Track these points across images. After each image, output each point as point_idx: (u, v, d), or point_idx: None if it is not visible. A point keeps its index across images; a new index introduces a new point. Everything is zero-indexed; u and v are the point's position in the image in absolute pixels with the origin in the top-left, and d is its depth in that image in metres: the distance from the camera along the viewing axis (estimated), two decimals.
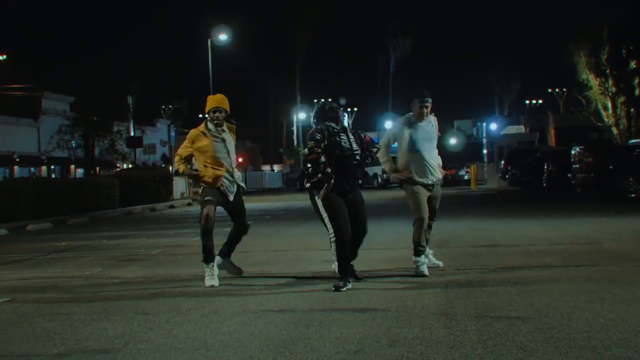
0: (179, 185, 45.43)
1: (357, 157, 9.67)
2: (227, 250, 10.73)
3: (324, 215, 9.48)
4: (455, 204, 31.07)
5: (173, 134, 58.90)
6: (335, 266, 9.50)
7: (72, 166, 64.93)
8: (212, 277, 9.98)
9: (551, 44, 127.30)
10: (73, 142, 46.71)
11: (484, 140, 60.07)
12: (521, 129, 59.45)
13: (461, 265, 11.07)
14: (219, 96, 10.60)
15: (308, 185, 9.60)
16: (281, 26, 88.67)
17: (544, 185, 37.71)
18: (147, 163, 59.66)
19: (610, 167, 28.58)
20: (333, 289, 9.07)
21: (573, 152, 30.51)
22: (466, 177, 57.36)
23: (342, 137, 9.62)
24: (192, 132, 10.57)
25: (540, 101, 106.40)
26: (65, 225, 25.59)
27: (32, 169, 62.61)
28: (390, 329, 6.94)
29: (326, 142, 9.47)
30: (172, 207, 37.12)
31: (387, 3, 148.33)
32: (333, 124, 9.69)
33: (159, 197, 39.36)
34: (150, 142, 59.38)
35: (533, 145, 50.96)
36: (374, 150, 10.10)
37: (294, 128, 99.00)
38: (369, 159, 9.98)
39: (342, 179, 9.50)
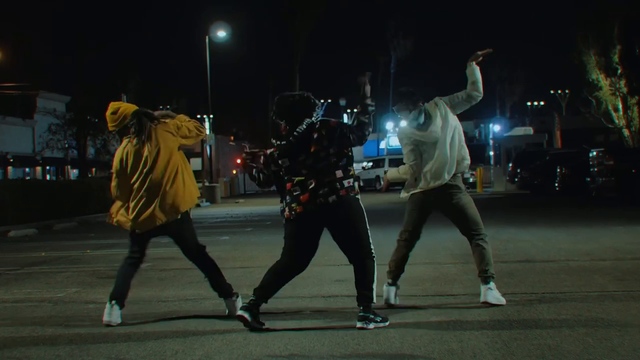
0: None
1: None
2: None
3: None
4: None
5: None
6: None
7: (68, 167, 63.35)
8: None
9: (553, 44, 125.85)
10: (65, 142, 45.11)
11: (490, 142, 58.32)
12: (529, 130, 57.72)
13: (501, 290, 9.29)
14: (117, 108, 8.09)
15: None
16: (280, 24, 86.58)
17: (557, 189, 36.04)
18: None
19: (633, 171, 26.91)
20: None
21: (592, 154, 28.84)
22: (471, 180, 55.67)
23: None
24: None
25: (542, 103, 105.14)
26: (51, 231, 23.88)
27: (26, 169, 61.10)
28: None
29: None
30: None
31: (388, 3, 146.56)
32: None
33: None
34: None
35: (541, 147, 49.32)
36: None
37: None
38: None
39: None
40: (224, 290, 8.23)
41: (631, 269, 10.89)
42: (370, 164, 62.14)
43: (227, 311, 8.15)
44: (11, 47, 55.29)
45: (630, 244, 14.38)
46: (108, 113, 8.00)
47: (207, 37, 46.62)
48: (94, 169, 54.88)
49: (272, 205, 34.27)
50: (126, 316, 8.13)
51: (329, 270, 11.34)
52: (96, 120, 41.25)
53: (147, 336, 7.28)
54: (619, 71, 48.39)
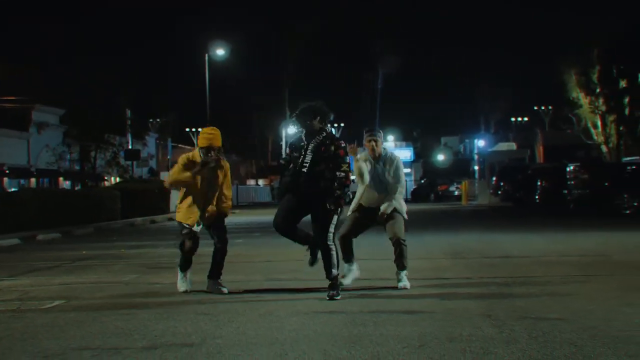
0: (175, 199, 45.78)
1: (304, 171, 9.73)
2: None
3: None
4: (452, 218, 31.74)
5: (170, 146, 59.43)
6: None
7: (61, 179, 65.27)
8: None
9: (538, 62, 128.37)
10: (69, 154, 47.21)
11: (475, 157, 60.80)
12: (512, 145, 60.27)
13: (484, 275, 11.68)
14: (212, 134, 10.64)
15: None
16: (271, 42, 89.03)
17: (537, 201, 38.41)
18: (135, 176, 60.11)
19: (606, 184, 29.33)
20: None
21: (569, 169, 31.25)
22: (456, 193, 58.13)
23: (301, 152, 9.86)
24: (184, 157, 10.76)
25: (525, 119, 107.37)
26: (73, 236, 26.02)
27: (21, 181, 62.91)
28: (444, 327, 7.52)
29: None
30: (171, 219, 37.52)
31: (376, 19, 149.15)
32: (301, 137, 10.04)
33: (156, 209, 39.85)
34: (143, 156, 59.80)
35: (524, 162, 51.71)
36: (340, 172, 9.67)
37: (283, 143, 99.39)
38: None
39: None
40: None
41: (592, 262, 13.25)
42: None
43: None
44: (7, 60, 57.06)
45: (595, 245, 16.73)
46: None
47: (206, 55, 48.93)
48: (86, 180, 56.82)
49: (267, 216, 36.48)
50: (191, 290, 10.47)
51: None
52: (101, 133, 43.42)
53: (217, 302, 9.59)
54: (598, 90, 50.97)
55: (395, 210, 10.60)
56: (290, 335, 7.33)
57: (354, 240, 10.78)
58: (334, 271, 9.75)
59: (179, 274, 10.75)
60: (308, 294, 10.04)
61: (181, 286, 10.67)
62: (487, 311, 8.41)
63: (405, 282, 10.43)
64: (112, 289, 11.18)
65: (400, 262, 10.50)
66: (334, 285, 9.71)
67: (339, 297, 9.53)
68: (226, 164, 10.89)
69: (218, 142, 10.64)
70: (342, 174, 9.65)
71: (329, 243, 9.79)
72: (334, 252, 9.79)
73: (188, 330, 7.75)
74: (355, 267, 10.74)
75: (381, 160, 10.72)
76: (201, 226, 10.76)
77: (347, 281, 10.50)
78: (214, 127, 10.92)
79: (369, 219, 10.78)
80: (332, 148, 9.77)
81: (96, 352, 6.88)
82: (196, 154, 10.65)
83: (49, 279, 12.86)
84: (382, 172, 10.64)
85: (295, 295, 9.99)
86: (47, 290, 11.37)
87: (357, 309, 8.73)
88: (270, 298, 9.84)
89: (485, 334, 7.17)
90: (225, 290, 10.43)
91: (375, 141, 10.70)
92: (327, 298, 9.51)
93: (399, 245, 10.47)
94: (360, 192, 10.84)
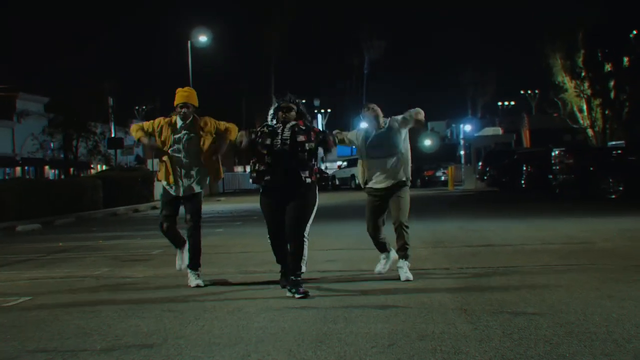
0: (159, 187, 45.45)
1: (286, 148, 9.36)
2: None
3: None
4: (438, 204, 31.48)
5: None
6: None
7: (47, 167, 64.85)
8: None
9: (524, 46, 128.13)
10: (52, 143, 46.81)
11: (461, 142, 60.54)
12: (498, 130, 59.98)
13: (464, 265, 11.42)
14: (187, 92, 10.53)
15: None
16: (257, 27, 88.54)
17: (523, 186, 38.16)
18: (121, 164, 59.69)
19: (591, 169, 29.11)
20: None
21: (554, 153, 30.99)
22: (443, 178, 57.84)
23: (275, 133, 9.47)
24: (159, 120, 10.59)
25: (512, 103, 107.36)
26: (53, 226, 25.70)
27: (6, 169, 62.51)
28: (416, 324, 7.25)
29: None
30: (154, 208, 37.22)
31: (362, 5, 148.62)
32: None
33: (140, 198, 39.50)
34: (128, 144, 59.42)
35: (510, 147, 51.45)
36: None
37: None
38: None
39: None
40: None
41: (575, 250, 12.98)
42: (345, 163, 63.94)
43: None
44: None
45: (580, 232, 16.47)
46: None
47: (189, 41, 48.51)
48: (71, 169, 56.50)
49: (252, 203, 36.15)
50: (162, 285, 10.19)
51: (321, 254, 13.34)
52: (84, 121, 43.00)
53: (186, 296, 9.31)
54: (583, 74, 50.76)
55: (403, 186, 10.39)
56: (257, 334, 7.05)
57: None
58: (303, 267, 9.33)
59: (177, 253, 10.65)
60: (282, 288, 9.75)
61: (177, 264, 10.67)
62: (463, 305, 8.15)
63: (408, 274, 10.20)
64: (81, 284, 10.89)
65: (402, 252, 10.30)
66: (298, 282, 9.17)
67: (299, 297, 8.95)
68: (210, 120, 10.61)
69: (194, 101, 10.47)
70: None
71: (305, 235, 9.34)
72: (306, 247, 9.35)
73: (151, 328, 7.46)
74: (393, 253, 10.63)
75: (386, 128, 10.47)
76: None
77: (381, 269, 10.62)
78: (190, 87, 10.75)
79: (386, 198, 10.47)
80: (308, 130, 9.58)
81: (51, 354, 6.59)
82: (173, 117, 10.53)
83: (19, 273, 12.57)
84: (390, 137, 10.38)
85: (268, 290, 9.72)
86: (15, 285, 11.07)
87: (330, 304, 8.46)
88: (242, 293, 9.58)
89: (459, 331, 6.91)
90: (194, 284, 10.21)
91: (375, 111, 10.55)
92: (296, 296, 8.97)
93: (401, 232, 10.25)
94: (363, 170, 10.60)
